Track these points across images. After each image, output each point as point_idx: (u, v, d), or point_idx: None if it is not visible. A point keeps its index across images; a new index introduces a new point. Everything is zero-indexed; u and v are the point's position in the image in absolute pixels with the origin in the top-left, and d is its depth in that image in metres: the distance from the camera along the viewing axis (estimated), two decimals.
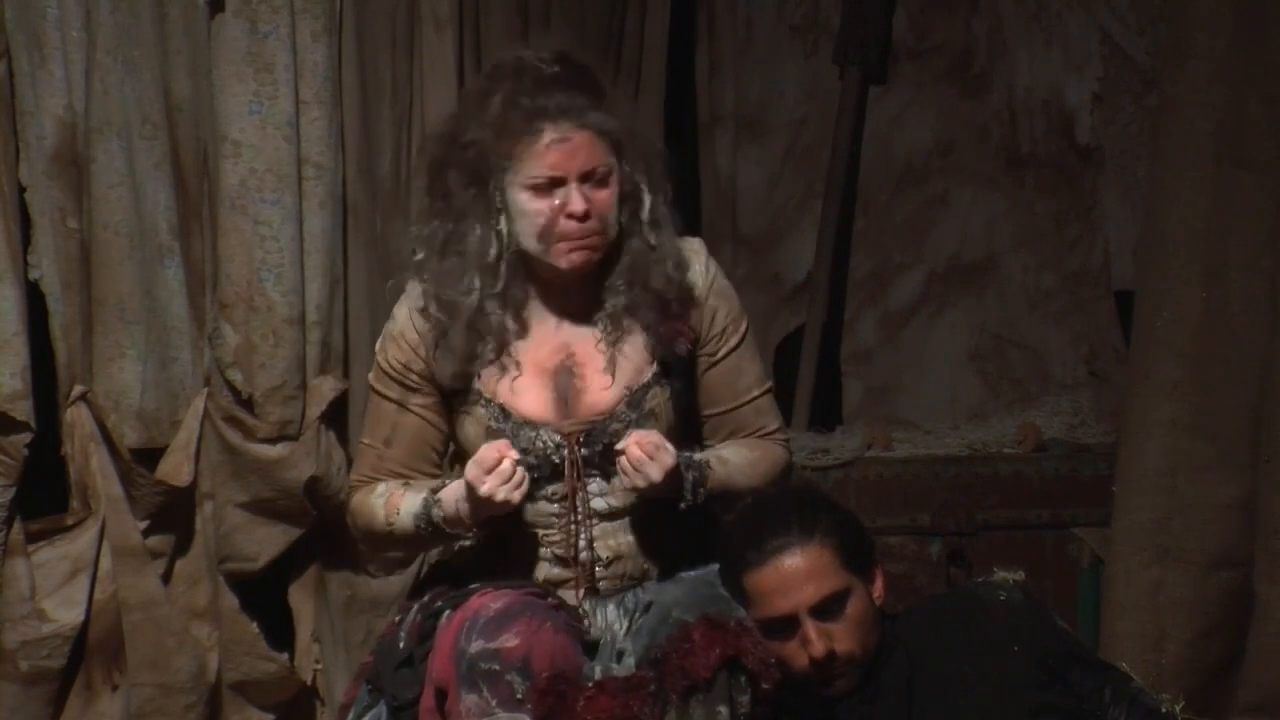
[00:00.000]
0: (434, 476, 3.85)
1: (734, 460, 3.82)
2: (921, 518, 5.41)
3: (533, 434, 3.74)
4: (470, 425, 3.78)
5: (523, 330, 3.77)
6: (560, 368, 3.78)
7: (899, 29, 5.96)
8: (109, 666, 5.04)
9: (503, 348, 3.76)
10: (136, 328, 4.98)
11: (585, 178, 3.69)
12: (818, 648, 3.62)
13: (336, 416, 5.05)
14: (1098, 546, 5.27)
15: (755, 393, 3.89)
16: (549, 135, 3.68)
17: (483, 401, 3.76)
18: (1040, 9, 5.86)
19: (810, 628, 3.62)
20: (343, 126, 5.05)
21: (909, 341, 5.97)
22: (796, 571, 3.63)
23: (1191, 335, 4.81)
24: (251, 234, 4.95)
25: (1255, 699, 4.76)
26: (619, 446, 3.68)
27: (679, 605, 3.66)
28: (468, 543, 3.87)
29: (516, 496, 3.65)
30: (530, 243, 3.72)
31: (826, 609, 3.64)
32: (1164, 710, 3.79)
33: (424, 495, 3.76)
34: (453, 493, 3.71)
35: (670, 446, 3.67)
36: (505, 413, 3.75)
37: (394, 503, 3.79)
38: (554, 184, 3.69)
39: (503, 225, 3.74)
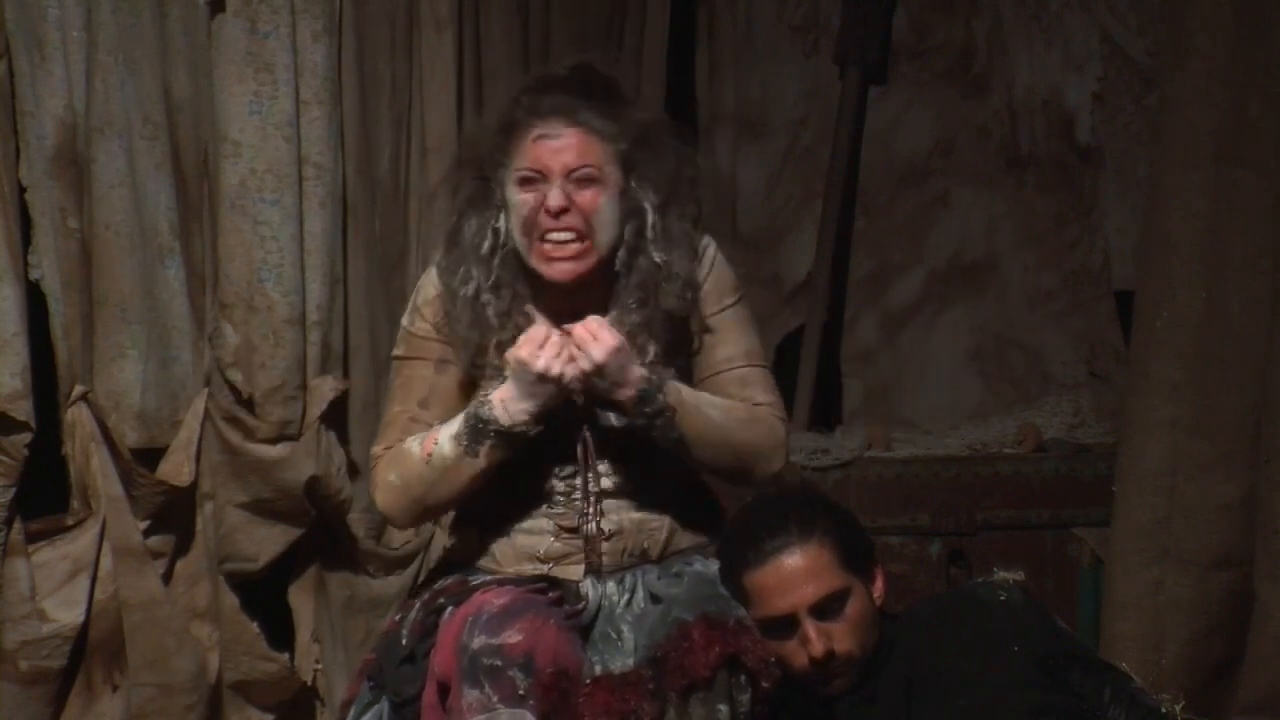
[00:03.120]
0: None
1: (707, 397, 3.78)
2: (921, 518, 5.41)
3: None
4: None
5: (528, 323, 3.77)
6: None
7: (899, 29, 5.96)
8: (109, 666, 5.04)
9: (505, 341, 3.76)
10: (137, 328, 4.98)
11: (571, 176, 3.69)
12: (817, 647, 3.62)
13: (337, 417, 5.05)
14: (1098, 546, 5.27)
15: (739, 362, 3.84)
16: (538, 130, 3.70)
17: (502, 377, 3.76)
18: (1040, 9, 5.87)
19: (809, 627, 3.63)
20: (343, 127, 5.06)
21: (909, 341, 5.97)
22: (796, 571, 3.64)
23: (1191, 335, 4.81)
24: (251, 234, 4.95)
25: (1255, 699, 4.76)
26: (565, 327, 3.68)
27: (679, 604, 3.66)
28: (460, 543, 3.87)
29: (570, 369, 3.65)
30: (518, 238, 3.74)
31: (826, 608, 3.64)
32: (1164, 710, 3.79)
33: (466, 410, 3.75)
34: (500, 394, 3.70)
35: (616, 334, 3.65)
36: None
37: (431, 436, 3.77)
38: (539, 178, 3.70)
39: (500, 221, 3.76)
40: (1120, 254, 5.77)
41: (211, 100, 4.96)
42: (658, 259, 3.75)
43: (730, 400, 3.81)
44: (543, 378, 3.64)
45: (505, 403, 3.69)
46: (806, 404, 5.82)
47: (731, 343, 3.85)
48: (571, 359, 3.66)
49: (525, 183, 3.71)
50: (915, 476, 5.44)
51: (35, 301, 4.96)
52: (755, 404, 3.84)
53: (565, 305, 3.78)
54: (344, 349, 5.10)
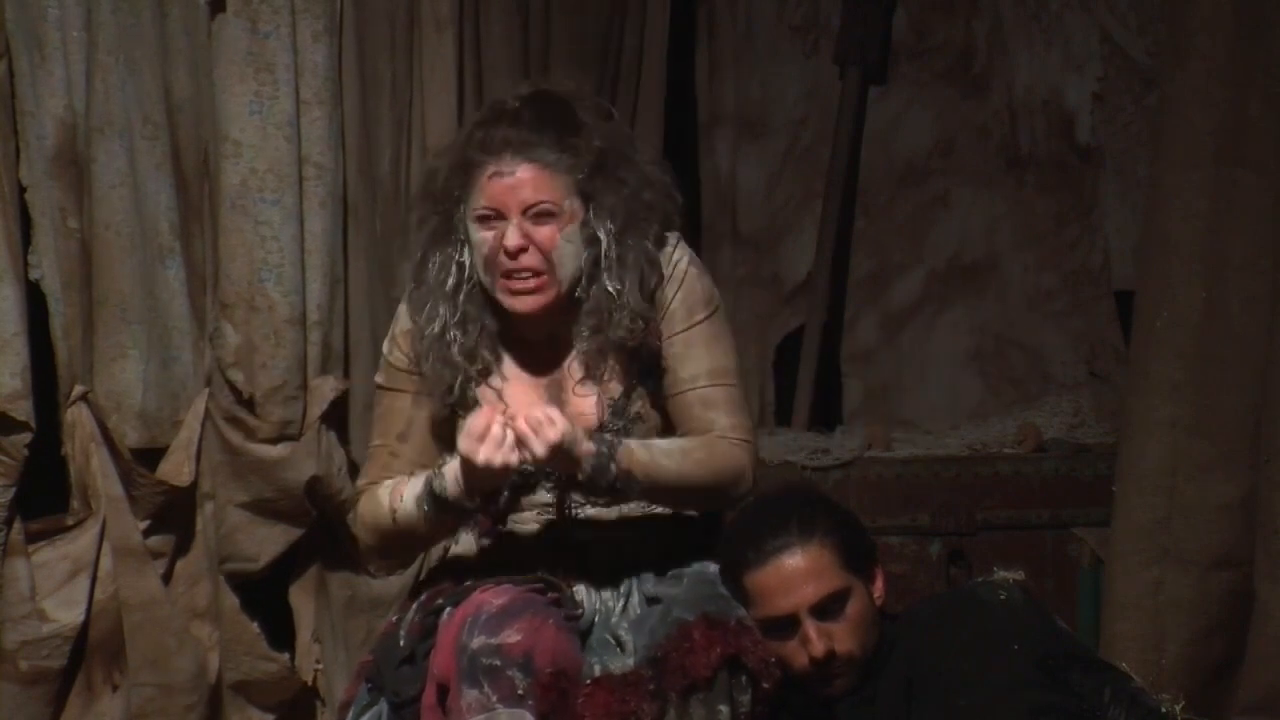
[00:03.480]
0: None
1: (663, 446, 3.73)
2: (921, 518, 5.41)
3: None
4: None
5: (497, 359, 3.77)
6: (552, 384, 3.79)
7: (899, 29, 5.96)
8: (109, 667, 5.04)
9: (474, 377, 3.75)
10: (137, 328, 4.98)
11: (528, 213, 3.68)
12: (818, 647, 3.62)
13: (337, 417, 5.05)
14: (1098, 546, 5.27)
15: (702, 382, 3.78)
16: (491, 168, 3.68)
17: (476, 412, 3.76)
18: (1040, 9, 5.87)
19: (810, 627, 3.63)
20: (343, 127, 5.06)
21: (909, 341, 5.97)
22: (796, 571, 3.64)
23: (1191, 335, 4.81)
24: (252, 234, 4.95)
25: (1255, 699, 4.76)
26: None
27: (679, 604, 3.66)
28: (458, 547, 3.87)
29: (513, 458, 3.60)
30: (480, 274, 3.73)
31: (826, 609, 3.64)
32: (1164, 710, 3.79)
33: (426, 474, 3.75)
34: (453, 468, 3.69)
35: (561, 422, 3.59)
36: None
37: (399, 490, 3.78)
38: (496, 217, 3.69)
39: (465, 255, 3.75)
40: (1120, 254, 5.77)
41: (212, 100, 4.96)
42: (611, 288, 3.71)
43: (687, 438, 3.76)
44: (486, 468, 3.61)
45: (457, 480, 3.68)
46: (806, 404, 5.82)
47: (697, 360, 3.78)
48: (515, 447, 3.60)
49: (483, 220, 3.70)
50: (915, 476, 5.43)
51: (35, 301, 4.96)
52: (717, 429, 3.77)
53: (534, 333, 3.78)
54: (345, 349, 5.10)
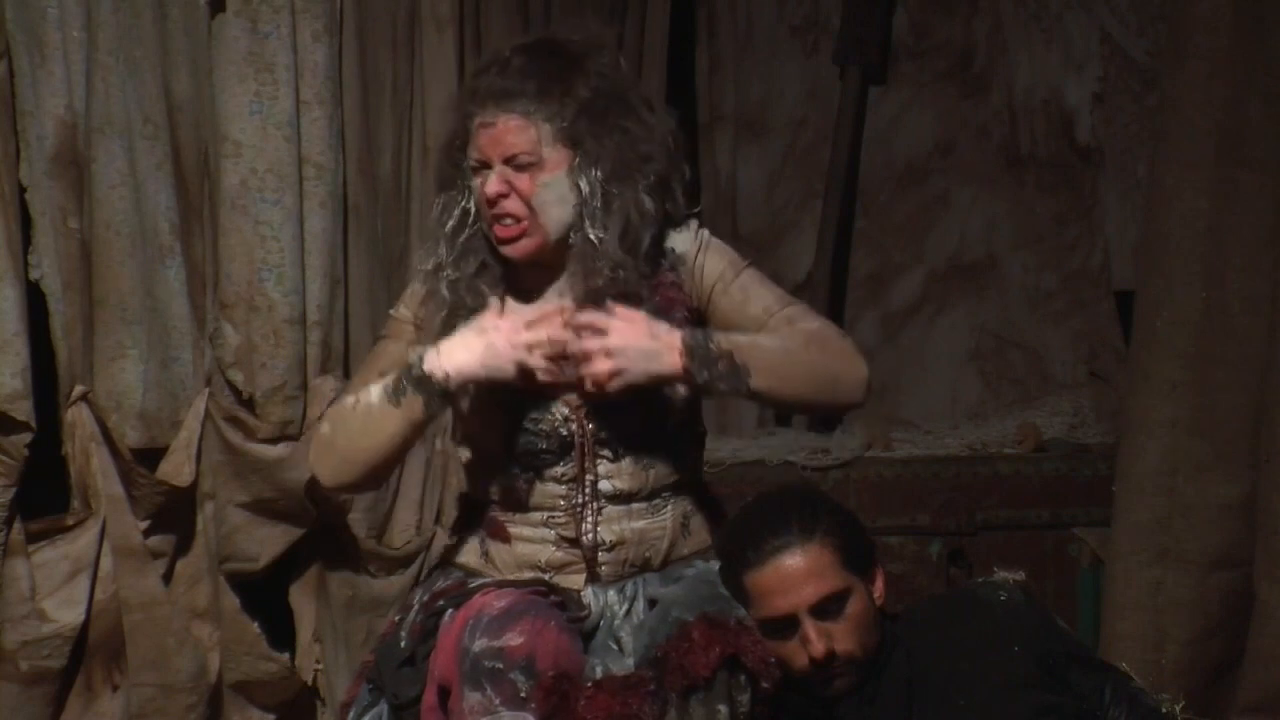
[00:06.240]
0: None
1: (752, 335, 3.67)
2: (921, 518, 5.41)
3: (542, 406, 3.74)
4: (476, 396, 3.76)
5: (500, 297, 3.75)
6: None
7: (899, 29, 5.96)
8: (109, 666, 5.04)
9: (464, 309, 3.74)
10: (137, 328, 4.98)
11: (510, 162, 3.69)
12: (817, 648, 3.62)
13: None
14: (1098, 546, 5.27)
15: (777, 307, 3.74)
16: (478, 119, 3.71)
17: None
18: (1040, 9, 5.87)
19: (810, 627, 3.63)
20: (343, 127, 5.06)
21: (909, 341, 5.97)
22: (796, 571, 3.64)
23: (1191, 335, 4.81)
24: (252, 234, 4.95)
25: (1255, 699, 4.76)
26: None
27: (679, 604, 3.66)
28: (461, 556, 3.85)
29: (545, 377, 3.63)
30: (481, 221, 3.75)
31: (826, 609, 3.64)
32: (1164, 710, 3.80)
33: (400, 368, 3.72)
34: (448, 340, 3.67)
35: (624, 320, 3.60)
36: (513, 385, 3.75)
37: (367, 387, 3.73)
38: (484, 165, 3.71)
39: (469, 201, 3.77)
40: (1120, 254, 5.77)
41: (212, 100, 4.96)
42: (593, 236, 3.71)
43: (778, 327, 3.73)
44: (514, 361, 3.62)
45: (443, 349, 3.67)
46: None
47: (761, 296, 3.77)
48: (550, 370, 3.62)
49: (475, 170, 3.73)
50: (915, 476, 5.44)
51: (35, 301, 4.96)
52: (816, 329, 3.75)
53: (533, 281, 3.77)
54: (345, 349, 5.10)
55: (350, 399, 3.75)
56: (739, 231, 5.98)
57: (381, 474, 3.81)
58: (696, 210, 3.83)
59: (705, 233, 3.82)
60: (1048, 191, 5.90)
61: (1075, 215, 5.88)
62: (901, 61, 5.97)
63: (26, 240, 4.95)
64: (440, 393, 3.68)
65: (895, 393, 5.95)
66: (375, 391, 3.70)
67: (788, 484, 4.14)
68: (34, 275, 4.96)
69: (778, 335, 3.71)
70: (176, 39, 4.97)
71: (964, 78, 5.94)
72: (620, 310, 3.65)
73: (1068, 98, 5.86)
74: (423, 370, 3.67)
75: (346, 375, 5.07)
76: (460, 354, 3.67)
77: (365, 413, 3.70)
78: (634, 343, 3.64)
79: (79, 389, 4.97)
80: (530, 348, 3.65)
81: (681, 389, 3.71)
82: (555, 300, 3.76)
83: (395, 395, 3.68)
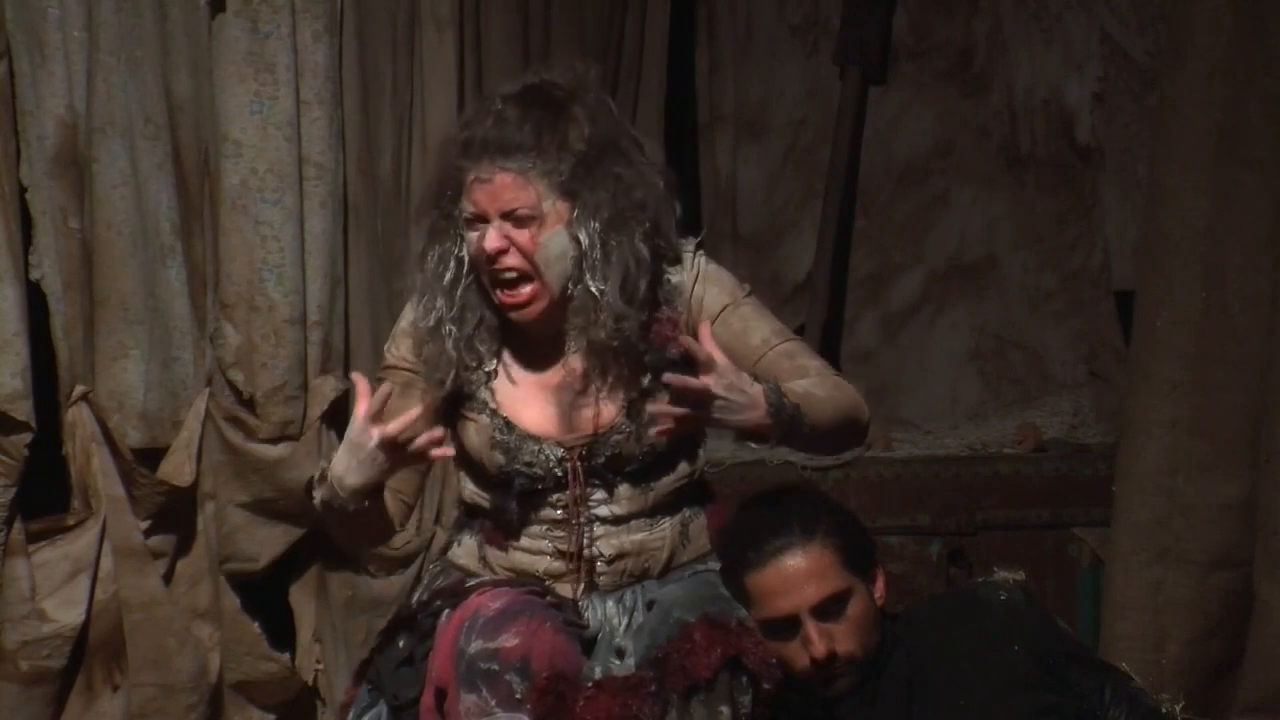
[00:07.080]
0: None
1: (797, 387, 3.68)
2: (921, 518, 5.41)
3: (535, 448, 3.74)
4: (473, 433, 3.77)
5: (498, 354, 3.76)
6: (562, 384, 3.77)
7: (899, 29, 5.96)
8: (110, 666, 5.05)
9: (469, 368, 3.74)
10: (138, 328, 4.98)
11: (507, 217, 3.66)
12: (819, 648, 3.62)
13: (338, 416, 5.05)
14: (1098, 546, 5.28)
15: (775, 341, 3.76)
16: (472, 173, 3.66)
17: (488, 412, 3.75)
18: (1040, 9, 5.87)
19: (811, 628, 3.62)
20: (344, 127, 5.06)
21: (909, 341, 5.97)
22: (798, 572, 3.64)
23: (1191, 335, 4.81)
24: (253, 234, 4.95)
25: (1255, 699, 4.76)
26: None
27: (680, 605, 3.66)
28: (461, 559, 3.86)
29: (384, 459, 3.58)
30: (480, 275, 3.73)
31: (827, 609, 3.64)
32: (1164, 710, 3.80)
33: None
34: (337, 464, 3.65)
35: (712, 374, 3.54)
36: (510, 425, 3.75)
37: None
38: (480, 220, 3.67)
39: (463, 251, 3.74)
40: (1120, 254, 5.77)
41: (212, 100, 4.96)
42: (594, 288, 3.68)
43: (805, 379, 3.74)
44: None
45: (332, 464, 3.64)
46: None
47: (758, 328, 3.77)
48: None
49: (470, 223, 3.69)
50: (915, 476, 5.44)
51: (36, 301, 4.96)
52: (814, 371, 3.76)
53: (537, 332, 3.75)
54: (345, 349, 5.10)
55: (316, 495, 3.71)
56: (739, 231, 5.98)
57: (379, 539, 3.90)
58: (698, 240, 3.81)
59: (701, 260, 3.79)
60: (1048, 191, 5.90)
61: (1075, 215, 5.88)
62: (901, 61, 5.97)
63: (27, 240, 4.95)
64: (349, 506, 3.64)
65: (895, 393, 5.96)
66: (316, 496, 3.68)
67: (788, 484, 4.12)
68: (35, 275, 4.96)
69: (810, 382, 3.71)
70: (177, 39, 4.98)
71: (964, 78, 5.94)
72: (720, 354, 3.59)
73: (1068, 98, 5.86)
74: (321, 495, 3.64)
75: (346, 375, 5.07)
76: (339, 465, 3.62)
77: (324, 513, 3.69)
78: (732, 393, 3.57)
79: (80, 389, 4.98)
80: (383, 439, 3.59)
81: (753, 444, 3.68)
82: (559, 356, 3.74)
83: (321, 508, 3.67)
